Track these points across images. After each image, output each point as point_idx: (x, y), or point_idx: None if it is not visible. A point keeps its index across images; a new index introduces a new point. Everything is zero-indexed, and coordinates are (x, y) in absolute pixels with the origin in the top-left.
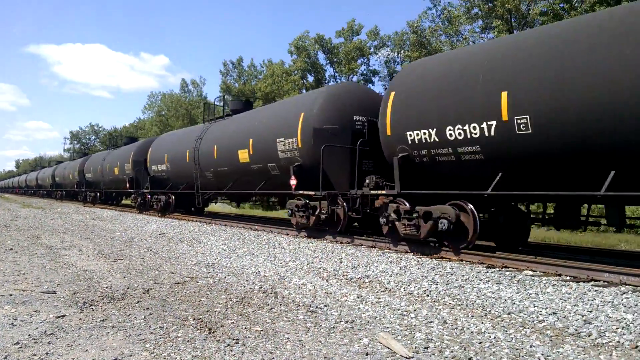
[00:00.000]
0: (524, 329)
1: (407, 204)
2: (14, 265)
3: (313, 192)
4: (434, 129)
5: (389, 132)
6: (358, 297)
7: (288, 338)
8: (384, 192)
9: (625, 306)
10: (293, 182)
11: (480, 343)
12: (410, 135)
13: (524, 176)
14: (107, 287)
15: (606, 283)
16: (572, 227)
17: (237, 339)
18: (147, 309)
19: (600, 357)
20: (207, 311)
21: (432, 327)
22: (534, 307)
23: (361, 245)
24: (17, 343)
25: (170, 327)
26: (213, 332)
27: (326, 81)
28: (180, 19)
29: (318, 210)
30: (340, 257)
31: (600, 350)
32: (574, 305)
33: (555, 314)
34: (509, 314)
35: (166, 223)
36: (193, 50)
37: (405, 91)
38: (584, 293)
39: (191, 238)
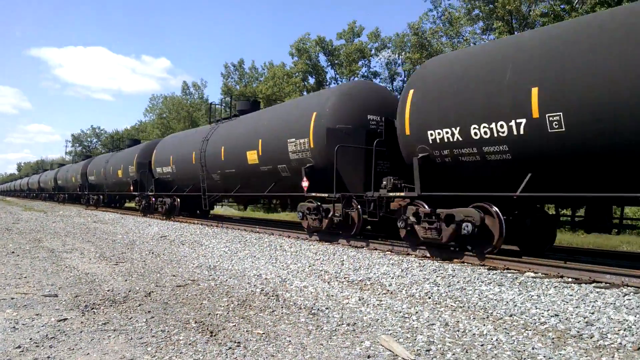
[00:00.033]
0: (526, 331)
1: (427, 207)
2: (16, 269)
3: (326, 194)
4: (457, 128)
5: (407, 132)
6: (360, 300)
7: (290, 341)
8: (403, 194)
9: (627, 308)
10: (305, 183)
11: (482, 345)
12: (432, 135)
13: (555, 177)
14: (108, 291)
15: (608, 285)
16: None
17: (238, 342)
18: (149, 312)
19: (603, 359)
20: (209, 314)
21: (434, 329)
22: (536, 309)
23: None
24: (19, 347)
25: (172, 331)
26: (215, 335)
27: (327, 83)
28: (181, 21)
29: (331, 213)
30: (341, 259)
31: (602, 352)
32: (576, 307)
33: (557, 315)
34: (510, 316)
35: (168, 226)
36: (194, 53)
37: (425, 88)
38: (586, 295)
39: (193, 241)
